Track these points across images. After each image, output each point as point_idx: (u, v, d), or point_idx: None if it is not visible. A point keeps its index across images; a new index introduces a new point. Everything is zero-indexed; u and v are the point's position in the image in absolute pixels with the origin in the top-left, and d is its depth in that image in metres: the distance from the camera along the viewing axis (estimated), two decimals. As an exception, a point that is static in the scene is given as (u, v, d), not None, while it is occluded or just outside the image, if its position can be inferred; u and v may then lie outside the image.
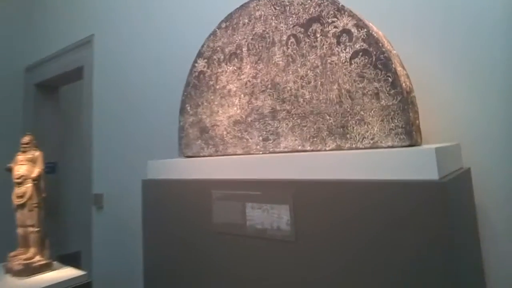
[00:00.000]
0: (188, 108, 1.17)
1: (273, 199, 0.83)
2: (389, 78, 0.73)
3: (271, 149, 0.95)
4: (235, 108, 1.03)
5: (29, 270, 1.40)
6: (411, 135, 0.72)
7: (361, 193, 0.70)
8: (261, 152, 0.97)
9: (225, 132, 1.06)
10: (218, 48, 1.08)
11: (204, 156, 1.11)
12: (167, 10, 1.79)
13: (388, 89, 0.73)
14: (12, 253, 1.48)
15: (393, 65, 0.73)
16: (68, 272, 1.46)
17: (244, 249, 0.88)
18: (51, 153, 2.66)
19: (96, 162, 2.18)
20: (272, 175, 0.85)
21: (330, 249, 0.73)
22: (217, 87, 1.08)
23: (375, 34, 0.75)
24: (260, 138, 0.97)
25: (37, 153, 1.53)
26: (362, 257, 0.69)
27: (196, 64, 1.15)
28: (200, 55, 1.13)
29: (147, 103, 1.87)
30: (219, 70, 1.08)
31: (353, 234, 0.70)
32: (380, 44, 0.74)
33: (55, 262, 1.52)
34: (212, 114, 1.10)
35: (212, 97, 1.10)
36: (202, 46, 1.13)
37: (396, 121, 0.73)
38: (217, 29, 1.09)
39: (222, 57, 1.07)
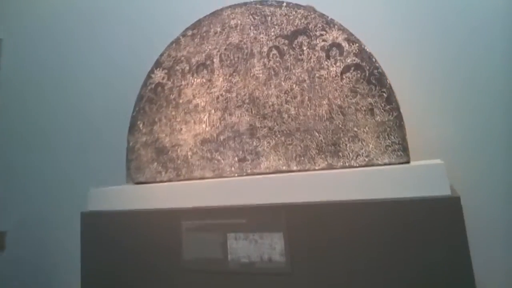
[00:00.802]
0: (141, 125, 1.01)
1: (263, 227, 0.72)
2: (384, 94, 0.72)
3: (249, 171, 0.85)
4: (204, 125, 0.92)
5: None
6: (407, 151, 0.70)
7: (366, 214, 0.65)
8: (236, 175, 0.86)
9: (190, 153, 0.93)
10: (182, 58, 0.96)
11: (161, 181, 0.95)
12: (99, 10, 1.58)
13: (383, 104, 0.72)
14: None
15: (387, 81, 0.72)
16: None
17: (226, 288, 0.75)
18: None
19: (-3, 193, 1.76)
20: (259, 199, 0.75)
21: (333, 280, 0.66)
22: (180, 101, 0.95)
23: (367, 49, 0.74)
24: (236, 158, 0.87)
25: None
26: (371, 287, 0.63)
27: (153, 75, 1.00)
28: (158, 65, 0.99)
29: (68, 122, 1.59)
30: (183, 83, 0.95)
31: (360, 260, 0.64)
32: (374, 59, 0.73)
33: None
34: (173, 132, 0.96)
35: (173, 112, 0.96)
36: (161, 55, 0.99)
37: (392, 137, 0.71)
38: (181, 37, 0.97)
39: (187, 67, 0.95)
